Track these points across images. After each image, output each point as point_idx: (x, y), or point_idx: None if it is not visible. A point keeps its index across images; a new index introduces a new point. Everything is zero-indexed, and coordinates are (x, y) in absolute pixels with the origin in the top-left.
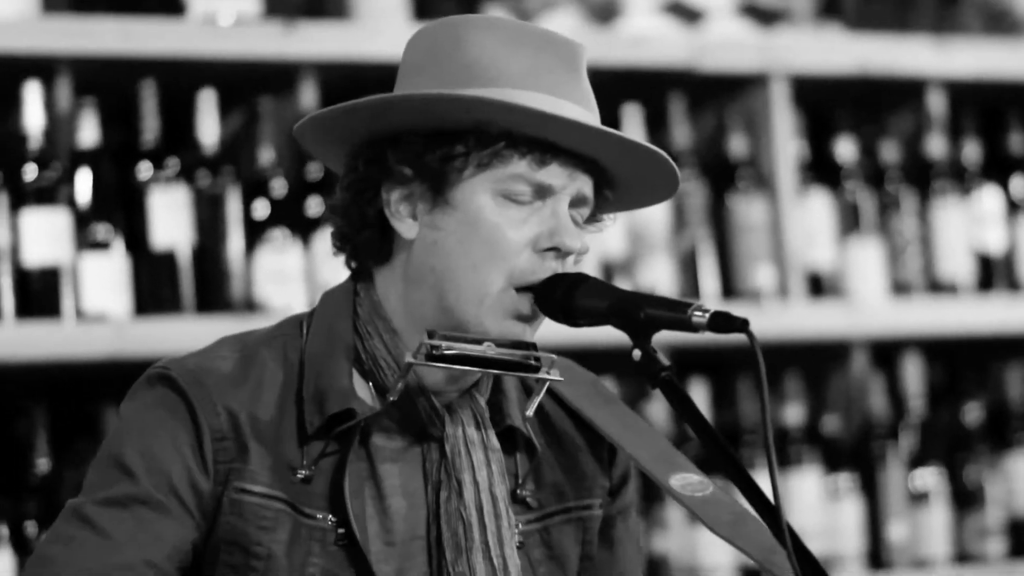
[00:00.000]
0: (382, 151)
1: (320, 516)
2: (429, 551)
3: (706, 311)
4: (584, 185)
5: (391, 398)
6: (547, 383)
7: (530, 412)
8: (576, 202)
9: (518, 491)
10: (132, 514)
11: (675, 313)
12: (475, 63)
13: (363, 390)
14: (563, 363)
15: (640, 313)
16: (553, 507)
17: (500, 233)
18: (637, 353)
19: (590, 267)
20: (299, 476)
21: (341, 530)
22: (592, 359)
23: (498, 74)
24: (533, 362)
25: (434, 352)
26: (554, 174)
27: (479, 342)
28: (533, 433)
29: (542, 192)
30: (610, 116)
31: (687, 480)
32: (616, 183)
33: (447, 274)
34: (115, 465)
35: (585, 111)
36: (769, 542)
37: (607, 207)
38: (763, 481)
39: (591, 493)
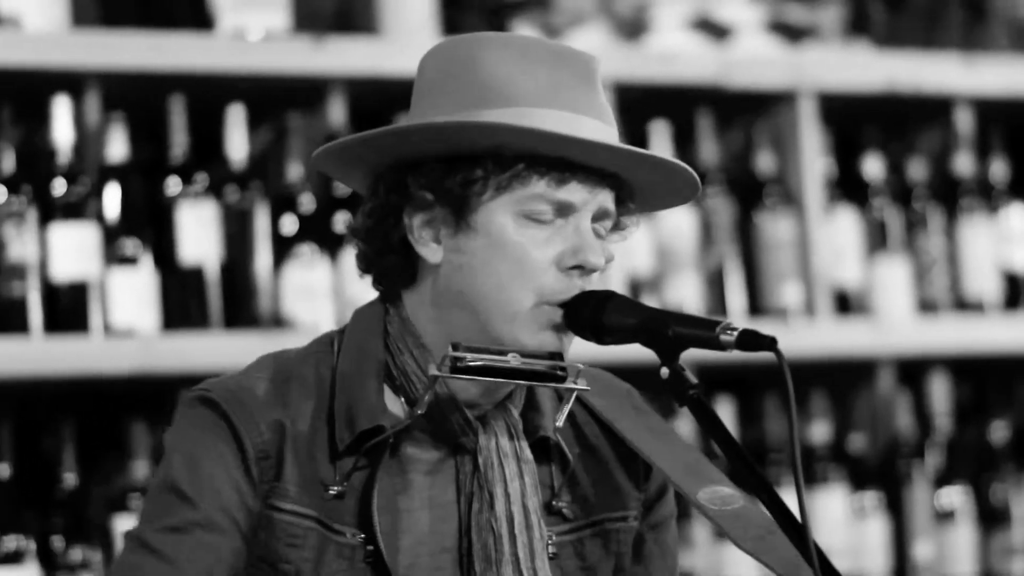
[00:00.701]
0: (402, 177)
1: (349, 533)
2: (460, 563)
3: (734, 330)
4: (605, 199)
5: (418, 411)
6: (575, 392)
7: (559, 422)
8: (598, 216)
9: (553, 502)
10: (193, 538)
11: (703, 331)
12: (490, 83)
13: (395, 405)
14: (597, 374)
15: (668, 331)
16: (587, 519)
17: (524, 252)
18: (665, 371)
19: (617, 284)
20: (331, 492)
21: (370, 547)
22: (618, 376)
23: (514, 93)
24: (559, 372)
25: (458, 364)
26: (574, 192)
27: (503, 353)
28: (566, 444)
29: (563, 210)
30: (638, 132)
31: (716, 493)
32: (637, 193)
33: (476, 296)
34: (170, 491)
35: (603, 125)
36: (795, 558)
37: (630, 213)
38: (790, 499)
39: (625, 505)
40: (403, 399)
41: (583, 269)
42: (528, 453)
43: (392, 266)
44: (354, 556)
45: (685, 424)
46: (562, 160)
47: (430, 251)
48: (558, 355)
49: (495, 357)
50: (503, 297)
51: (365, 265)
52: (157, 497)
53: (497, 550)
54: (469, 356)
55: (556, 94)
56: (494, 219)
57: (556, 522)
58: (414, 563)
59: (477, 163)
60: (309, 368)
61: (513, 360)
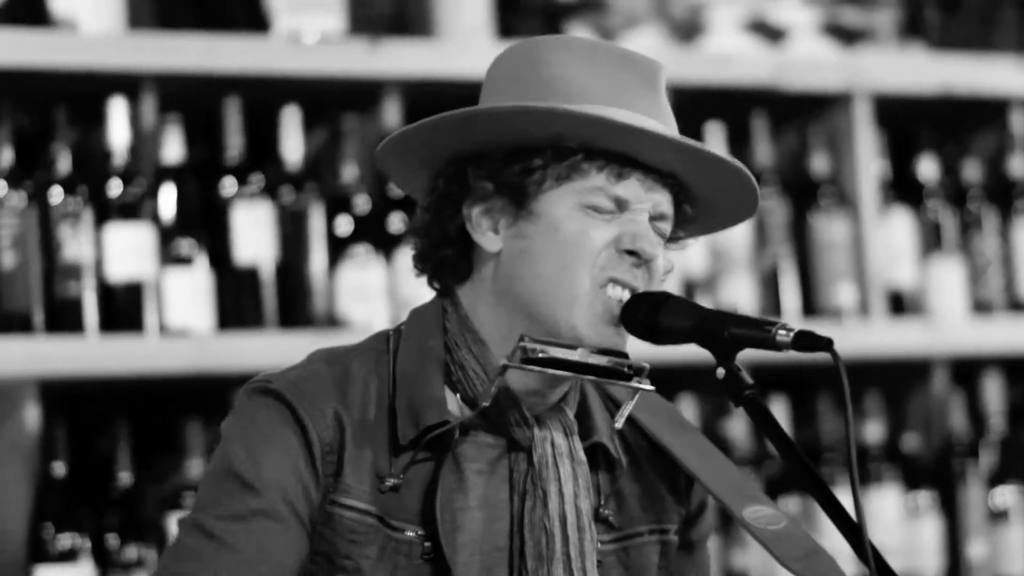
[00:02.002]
0: (462, 168)
1: (408, 530)
2: (511, 562)
3: (790, 330)
4: (663, 200)
5: (484, 403)
6: (639, 392)
7: (619, 423)
8: (656, 217)
9: (601, 509)
10: (256, 527)
11: (759, 332)
12: (555, 81)
13: (452, 403)
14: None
15: (724, 332)
16: (632, 528)
17: (583, 234)
18: (721, 372)
19: (671, 285)
20: (388, 485)
21: (428, 544)
22: (671, 376)
23: (578, 91)
24: (626, 370)
25: (529, 355)
26: (632, 188)
27: (572, 347)
28: (616, 452)
29: (621, 205)
30: (693, 134)
31: (760, 513)
32: (695, 199)
33: (536, 280)
34: (232, 479)
35: (664, 127)
36: None
37: (688, 229)
38: (844, 499)
39: (668, 519)
40: (459, 396)
41: (639, 257)
42: (582, 455)
43: (449, 260)
44: (411, 552)
45: (738, 425)
46: (621, 155)
47: (488, 240)
48: (625, 354)
49: (564, 350)
50: (563, 278)
51: (421, 263)
52: (216, 484)
53: (549, 548)
54: (539, 347)
55: (619, 94)
56: (554, 208)
57: (602, 530)
58: (469, 561)
59: (536, 153)
60: (366, 364)
61: (582, 354)
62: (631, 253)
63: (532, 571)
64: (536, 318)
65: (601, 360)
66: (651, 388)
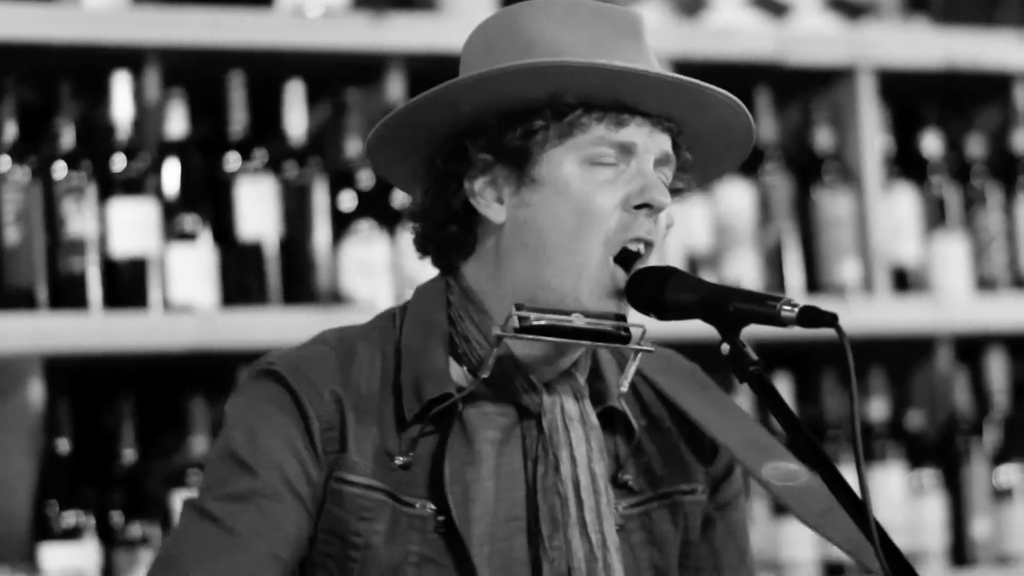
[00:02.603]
0: (459, 144)
1: (419, 504)
2: (529, 530)
3: (795, 306)
4: (665, 143)
5: (483, 374)
6: (639, 354)
7: (624, 386)
8: (660, 161)
9: (619, 475)
10: (255, 507)
11: (764, 307)
12: (535, 42)
13: (458, 374)
14: (661, 352)
15: (729, 307)
16: (653, 491)
17: (589, 199)
18: (726, 347)
19: (675, 260)
20: (398, 463)
21: (441, 517)
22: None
23: (560, 49)
24: (623, 333)
25: (522, 324)
26: (634, 133)
27: (567, 313)
28: (632, 417)
29: (625, 151)
30: None
31: (780, 469)
32: (693, 142)
33: (542, 249)
34: (231, 460)
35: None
36: (859, 534)
37: (686, 179)
38: (848, 476)
39: (692, 479)
40: (466, 368)
41: (650, 208)
42: (594, 418)
43: (453, 237)
44: (425, 527)
45: (742, 401)
46: (618, 103)
47: (494, 211)
48: (622, 316)
49: (559, 316)
50: (571, 246)
51: (423, 244)
52: (217, 467)
53: (564, 513)
54: (533, 316)
55: (601, 46)
56: (559, 169)
57: (622, 494)
58: (484, 532)
59: (535, 115)
60: (372, 342)
61: (577, 320)
62: (640, 207)
63: (547, 536)
64: (541, 287)
65: (599, 324)
66: (650, 349)
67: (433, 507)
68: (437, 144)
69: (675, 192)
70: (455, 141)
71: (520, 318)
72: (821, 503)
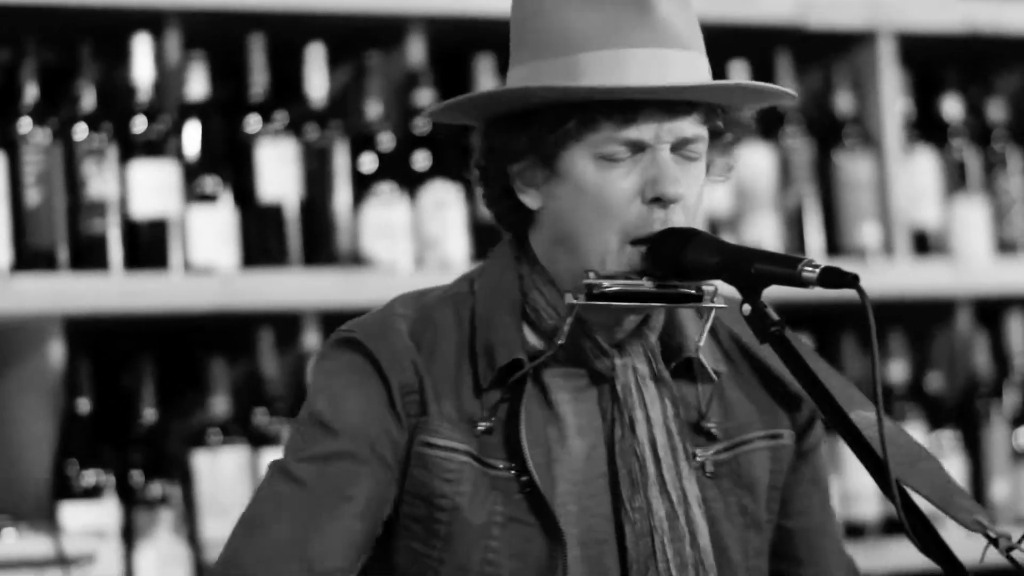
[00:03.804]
0: (495, 132)
1: (502, 466)
2: (612, 488)
3: (816, 266)
4: (680, 127)
5: (559, 341)
6: (712, 311)
7: (701, 341)
8: (679, 144)
9: (702, 423)
10: (336, 469)
11: (785, 268)
12: (550, 30)
13: (534, 340)
14: (736, 302)
15: (751, 268)
16: (740, 437)
17: (603, 193)
18: (747, 308)
19: (695, 223)
20: (480, 428)
21: (524, 478)
22: None
23: (570, 40)
24: (695, 292)
25: (593, 291)
26: (643, 129)
27: (640, 276)
28: (714, 365)
29: (637, 147)
30: (717, 72)
31: (865, 419)
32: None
33: (570, 239)
34: (315, 424)
35: (664, 51)
36: (947, 485)
37: (732, 127)
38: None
39: (777, 424)
40: (538, 334)
41: (662, 201)
42: (667, 375)
43: (507, 210)
44: (509, 488)
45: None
46: (627, 100)
47: (530, 198)
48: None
49: (629, 282)
50: (591, 239)
51: (488, 204)
52: (301, 430)
53: (643, 473)
54: (605, 283)
55: (615, 33)
56: (575, 165)
57: (707, 442)
58: (570, 491)
59: (552, 113)
60: (448, 309)
61: (647, 284)
62: (655, 200)
63: (628, 498)
64: (578, 272)
65: (668, 285)
66: (723, 306)
67: (515, 468)
68: (482, 126)
69: (729, 144)
70: (494, 126)
71: (591, 286)
72: (907, 455)
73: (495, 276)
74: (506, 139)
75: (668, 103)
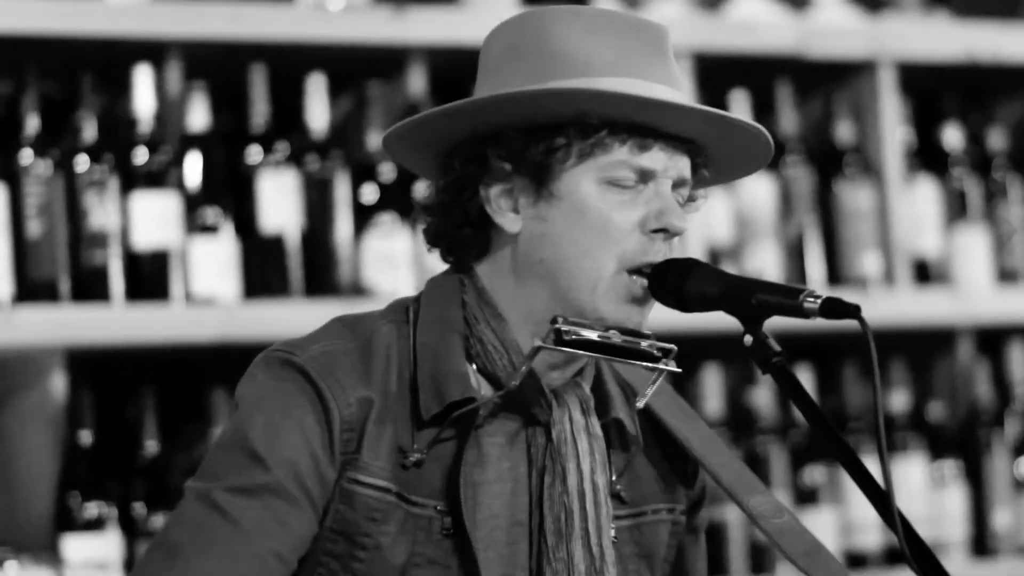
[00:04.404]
0: (479, 149)
1: (428, 505)
2: (531, 537)
3: (818, 297)
4: (684, 166)
5: (513, 383)
6: (663, 373)
7: (641, 403)
8: (677, 184)
9: (614, 485)
10: (262, 503)
11: (787, 299)
12: (561, 54)
13: (472, 377)
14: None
15: (752, 299)
16: (645, 505)
17: (607, 217)
18: (748, 339)
19: (696, 253)
20: (410, 460)
21: (448, 518)
22: (697, 345)
23: (586, 63)
24: (655, 352)
25: (564, 337)
26: (655, 158)
27: (605, 329)
28: (634, 427)
29: (645, 176)
30: (717, 102)
31: (766, 504)
32: (712, 160)
33: (558, 264)
34: (243, 451)
35: (676, 92)
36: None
37: (704, 184)
38: (871, 467)
39: (677, 499)
40: (476, 368)
41: (667, 232)
42: (599, 430)
43: (466, 238)
44: (431, 527)
45: (764, 393)
46: (643, 126)
47: (508, 221)
48: (653, 336)
49: (599, 332)
50: (586, 263)
51: (434, 238)
52: (228, 455)
53: (568, 524)
54: (573, 329)
55: (628, 63)
56: (578, 187)
57: (616, 505)
58: (489, 535)
59: (559, 131)
60: (388, 336)
61: (615, 337)
62: (658, 231)
63: (552, 548)
64: (559, 299)
65: (632, 342)
66: (678, 370)
67: (442, 508)
68: (457, 144)
69: (690, 201)
70: (476, 145)
71: (561, 331)
72: (806, 544)
73: (438, 306)
74: (495, 156)
75: (675, 140)
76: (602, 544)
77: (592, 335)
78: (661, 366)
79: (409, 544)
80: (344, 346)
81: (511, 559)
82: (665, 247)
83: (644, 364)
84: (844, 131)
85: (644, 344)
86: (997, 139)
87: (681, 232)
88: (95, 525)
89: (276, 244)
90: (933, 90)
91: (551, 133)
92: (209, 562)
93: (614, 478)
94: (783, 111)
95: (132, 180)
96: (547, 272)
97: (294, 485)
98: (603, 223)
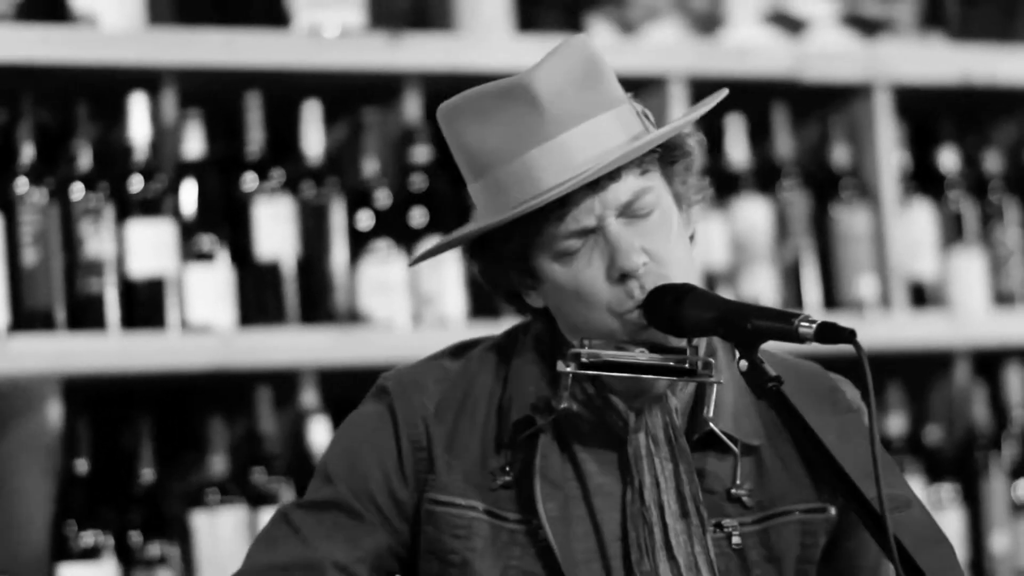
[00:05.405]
0: (479, 256)
1: (520, 520)
2: (625, 552)
3: (813, 322)
4: (618, 192)
5: (560, 405)
6: (715, 386)
7: (709, 412)
8: (623, 209)
9: (733, 491)
10: (329, 517)
11: (782, 324)
12: (470, 154)
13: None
14: (806, 368)
15: (747, 324)
16: (773, 509)
17: (577, 284)
18: (744, 364)
19: (692, 276)
20: (499, 483)
21: (540, 531)
22: None
23: (487, 160)
24: (687, 366)
25: (584, 360)
26: (579, 217)
27: (630, 349)
28: (754, 434)
29: (585, 232)
30: (713, 126)
31: (889, 497)
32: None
33: (574, 329)
34: (320, 473)
35: (562, 135)
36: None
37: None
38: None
39: (818, 497)
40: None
41: (626, 276)
42: (684, 442)
43: (515, 304)
44: (525, 542)
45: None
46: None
47: (532, 299)
48: (683, 350)
49: (619, 353)
50: (590, 327)
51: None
52: (312, 479)
53: (650, 539)
54: (593, 352)
55: (511, 143)
56: (544, 269)
57: (738, 511)
58: (590, 548)
59: (500, 237)
60: (491, 361)
61: (640, 355)
62: (622, 278)
63: (636, 562)
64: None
65: (661, 359)
66: (719, 382)
67: (535, 523)
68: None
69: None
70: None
71: (581, 354)
72: (925, 535)
73: (536, 333)
74: (489, 260)
75: (598, 180)
76: (693, 552)
77: (615, 356)
78: (701, 379)
79: (504, 558)
80: (436, 368)
81: (608, 573)
82: (633, 285)
83: (679, 379)
84: (840, 155)
85: (675, 359)
86: (993, 162)
87: (637, 268)
88: (91, 554)
89: (272, 271)
90: (929, 113)
91: (498, 237)
92: (265, 554)
93: (737, 484)
94: (779, 135)
95: (128, 208)
96: (569, 328)
97: (362, 500)
98: (576, 291)
